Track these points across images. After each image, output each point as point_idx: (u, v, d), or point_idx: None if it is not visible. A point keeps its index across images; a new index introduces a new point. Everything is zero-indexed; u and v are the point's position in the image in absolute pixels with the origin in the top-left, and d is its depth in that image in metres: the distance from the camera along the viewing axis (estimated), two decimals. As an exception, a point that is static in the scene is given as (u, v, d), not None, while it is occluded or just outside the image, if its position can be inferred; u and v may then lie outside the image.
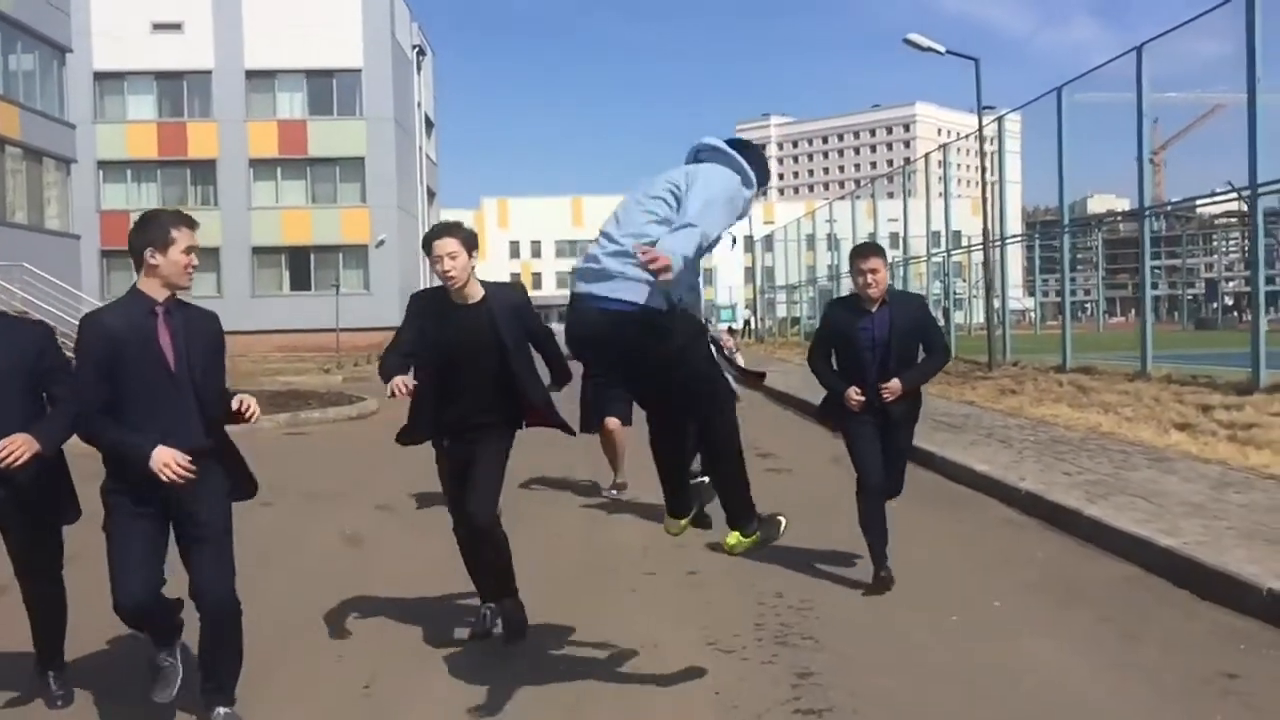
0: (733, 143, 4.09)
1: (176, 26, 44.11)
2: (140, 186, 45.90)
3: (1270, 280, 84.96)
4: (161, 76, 44.76)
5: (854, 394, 5.72)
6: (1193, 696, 4.17)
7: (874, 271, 5.68)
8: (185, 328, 3.83)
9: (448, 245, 4.54)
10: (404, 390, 4.52)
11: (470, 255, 4.57)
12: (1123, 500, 7.26)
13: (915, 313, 5.96)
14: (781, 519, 4.26)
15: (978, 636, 4.98)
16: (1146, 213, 15.65)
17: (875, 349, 5.73)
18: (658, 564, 6.55)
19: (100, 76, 43.61)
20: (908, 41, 20.59)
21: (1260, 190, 12.01)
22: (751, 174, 4.00)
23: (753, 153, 4.10)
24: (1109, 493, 7.55)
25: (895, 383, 5.71)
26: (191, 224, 3.89)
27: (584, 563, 6.72)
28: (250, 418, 3.90)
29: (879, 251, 5.81)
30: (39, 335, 4.17)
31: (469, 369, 4.63)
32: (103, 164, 43.86)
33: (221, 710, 3.85)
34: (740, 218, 4.01)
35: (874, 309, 5.74)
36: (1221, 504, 6.99)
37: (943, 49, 20.44)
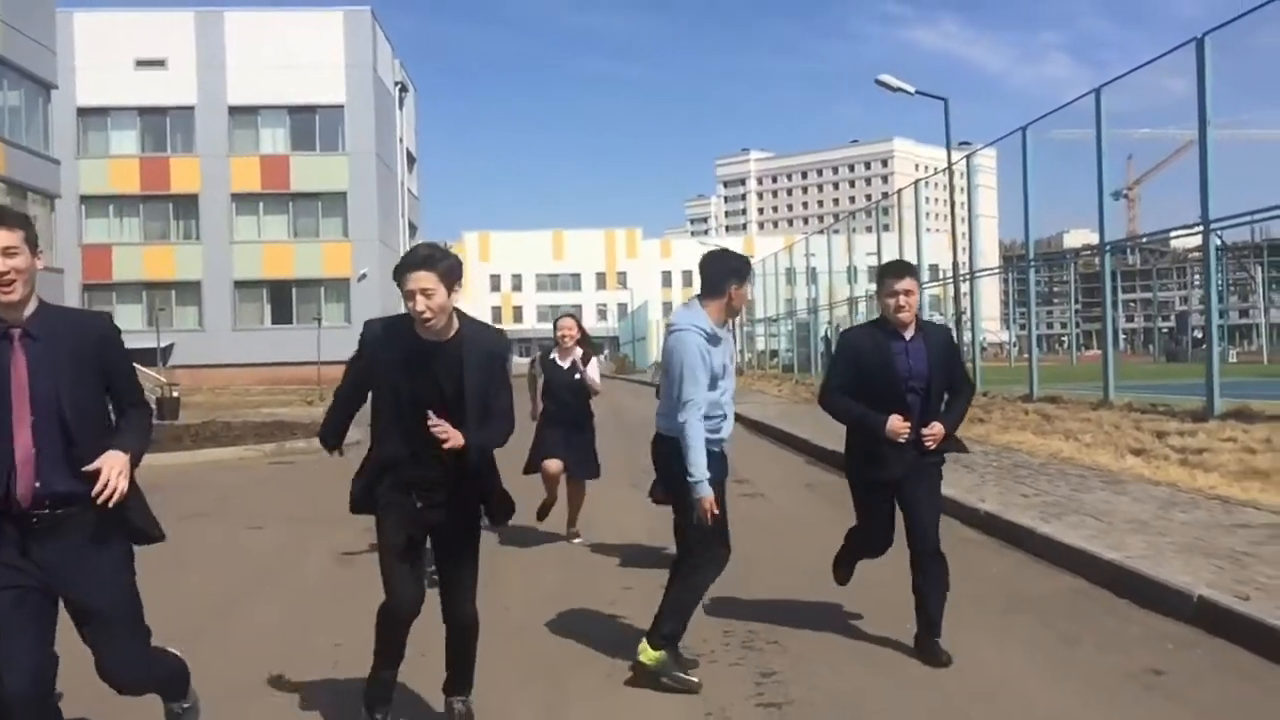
0: (707, 264, 4.85)
1: (160, 63, 44.66)
2: (122, 221, 46.24)
3: (1244, 313, 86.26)
4: (145, 112, 45.27)
5: (899, 422, 4.88)
6: (1120, 688, 4.57)
7: (908, 293, 4.96)
8: (52, 346, 3.19)
9: (422, 280, 3.71)
10: None
11: (451, 291, 3.77)
12: (1074, 519, 7.67)
13: (946, 344, 5.22)
14: (695, 680, 4.70)
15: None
16: (1107, 248, 16.21)
17: (914, 382, 4.97)
18: (635, 581, 6.90)
19: (84, 112, 44.01)
20: (879, 82, 21.26)
21: (1213, 226, 12.54)
22: (705, 324, 4.76)
23: (716, 265, 4.83)
24: (1063, 513, 7.96)
25: (938, 427, 4.98)
26: None
27: (564, 579, 7.06)
28: (103, 496, 3.12)
29: (913, 270, 5.13)
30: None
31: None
32: (85, 198, 44.18)
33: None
34: (721, 342, 4.84)
35: (907, 334, 5.02)
36: (1166, 522, 7.41)
37: (912, 89, 21.09)
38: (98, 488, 3.12)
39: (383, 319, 3.93)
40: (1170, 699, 4.43)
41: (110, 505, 3.15)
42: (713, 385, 4.75)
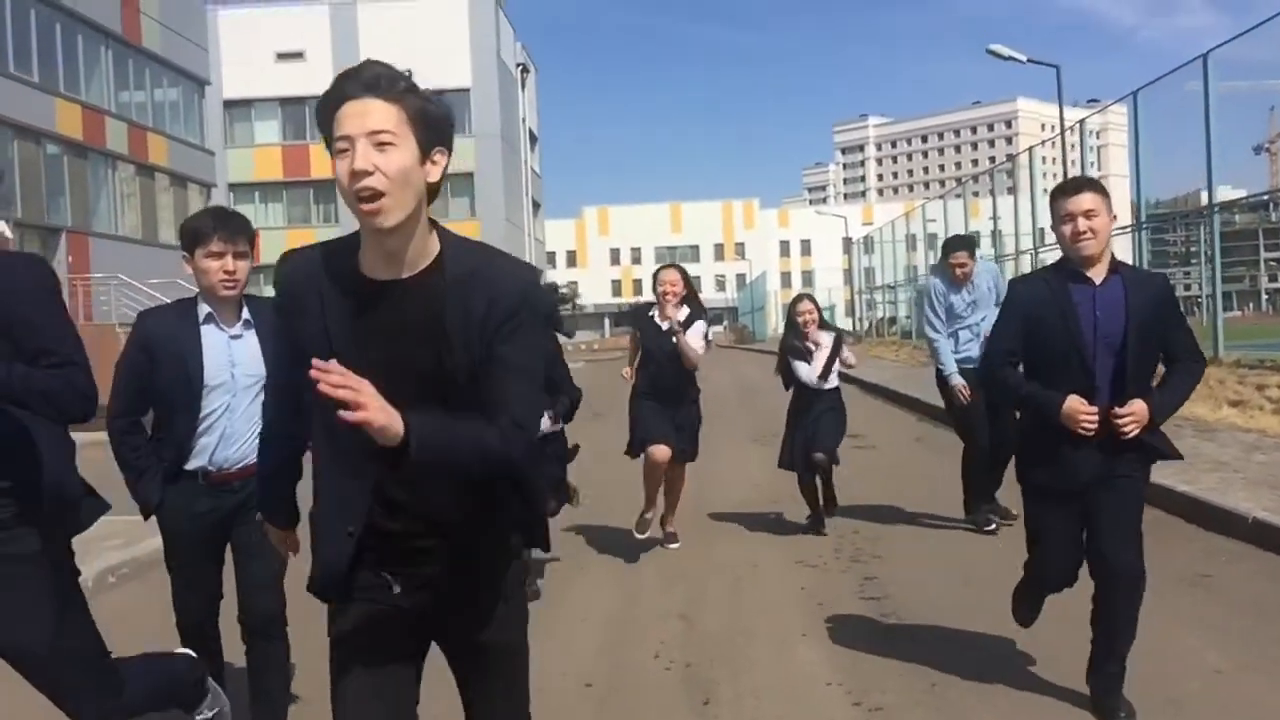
0: None
1: (299, 55, 47.04)
2: (267, 206, 48.98)
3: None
4: (285, 102, 47.73)
5: (1082, 409, 3.58)
6: (1170, 588, 5.40)
7: (1090, 215, 3.60)
8: None
9: (371, 115, 1.95)
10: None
11: (429, 159, 2.02)
12: (1161, 463, 8.37)
13: (1158, 294, 3.72)
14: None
15: (1007, 550, 6.27)
16: (1216, 209, 16.45)
17: (1101, 343, 3.62)
18: (752, 508, 7.96)
19: (229, 104, 46.72)
20: (991, 52, 21.64)
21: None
22: (941, 277, 7.21)
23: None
24: (1151, 456, 8.67)
25: (1140, 405, 3.59)
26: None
27: (693, 508, 8.12)
28: None
29: (1095, 185, 3.69)
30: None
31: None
32: (233, 186, 46.93)
33: None
34: (960, 290, 7.07)
35: (1097, 278, 3.66)
36: (1244, 462, 8.09)
37: (1024, 58, 21.42)
38: None
39: (307, 249, 2.13)
40: (1211, 593, 5.29)
41: None
42: (952, 319, 7.00)
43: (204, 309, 3.55)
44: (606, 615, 5.44)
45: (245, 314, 3.59)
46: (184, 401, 3.47)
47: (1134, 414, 3.58)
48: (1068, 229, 3.64)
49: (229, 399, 3.52)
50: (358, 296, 2.02)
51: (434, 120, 2.02)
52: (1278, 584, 5.39)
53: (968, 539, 6.77)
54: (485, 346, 2.01)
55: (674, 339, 6.43)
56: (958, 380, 6.97)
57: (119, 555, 6.57)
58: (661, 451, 6.46)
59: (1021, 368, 3.82)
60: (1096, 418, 3.58)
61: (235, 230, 3.51)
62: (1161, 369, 3.80)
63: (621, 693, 4.30)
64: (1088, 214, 3.61)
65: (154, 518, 3.56)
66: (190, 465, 3.51)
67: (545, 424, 4.65)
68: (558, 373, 5.61)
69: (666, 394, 6.55)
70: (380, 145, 1.93)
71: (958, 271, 6.99)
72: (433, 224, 2.06)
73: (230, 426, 3.53)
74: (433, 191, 2.03)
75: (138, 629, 4.31)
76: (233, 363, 3.54)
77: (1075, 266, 3.69)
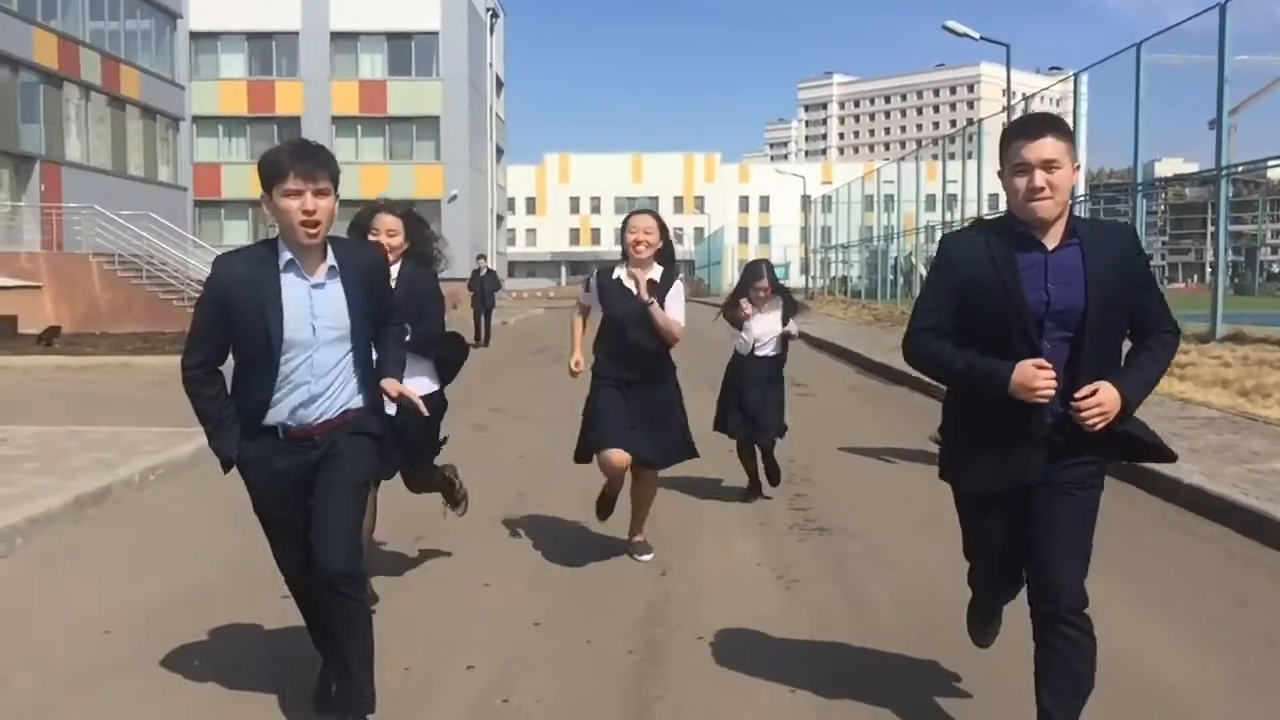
0: None
1: (267, -11, 46.99)
2: (230, 141, 49.13)
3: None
4: (252, 37, 47.75)
5: (1040, 372, 2.81)
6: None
7: (1048, 164, 2.85)
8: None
9: None
10: None
11: None
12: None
13: (1122, 251, 2.95)
14: None
15: (923, 477, 7.49)
16: (1139, 188, 17.64)
17: (1052, 322, 2.89)
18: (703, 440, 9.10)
19: (195, 36, 46.50)
20: (946, 28, 22.74)
21: (1224, 172, 14.13)
22: None
23: None
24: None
25: (1109, 391, 2.85)
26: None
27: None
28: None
29: (1058, 127, 2.91)
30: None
31: None
32: (197, 119, 46.95)
33: None
34: None
35: (1050, 242, 2.92)
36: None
37: (977, 35, 22.52)
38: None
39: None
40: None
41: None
42: None
43: (285, 255, 3.21)
44: (578, 517, 6.59)
45: (330, 260, 3.27)
46: (262, 357, 3.22)
47: (1100, 401, 2.81)
48: (1022, 182, 2.87)
49: (310, 354, 3.26)
50: None
51: None
52: (1114, 500, 6.65)
53: (888, 469, 7.97)
54: None
55: (649, 308, 5.34)
56: None
57: (155, 458, 7.57)
58: (618, 457, 5.33)
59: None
60: (1055, 380, 2.81)
61: (315, 165, 3.15)
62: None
63: (595, 568, 5.43)
64: (1048, 164, 2.85)
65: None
66: (268, 421, 3.29)
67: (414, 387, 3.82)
68: (429, 309, 4.77)
69: (634, 372, 5.43)
70: None
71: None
72: None
73: (313, 383, 3.28)
74: None
75: (176, 518, 5.35)
76: (314, 315, 3.24)
77: (1024, 228, 2.93)
